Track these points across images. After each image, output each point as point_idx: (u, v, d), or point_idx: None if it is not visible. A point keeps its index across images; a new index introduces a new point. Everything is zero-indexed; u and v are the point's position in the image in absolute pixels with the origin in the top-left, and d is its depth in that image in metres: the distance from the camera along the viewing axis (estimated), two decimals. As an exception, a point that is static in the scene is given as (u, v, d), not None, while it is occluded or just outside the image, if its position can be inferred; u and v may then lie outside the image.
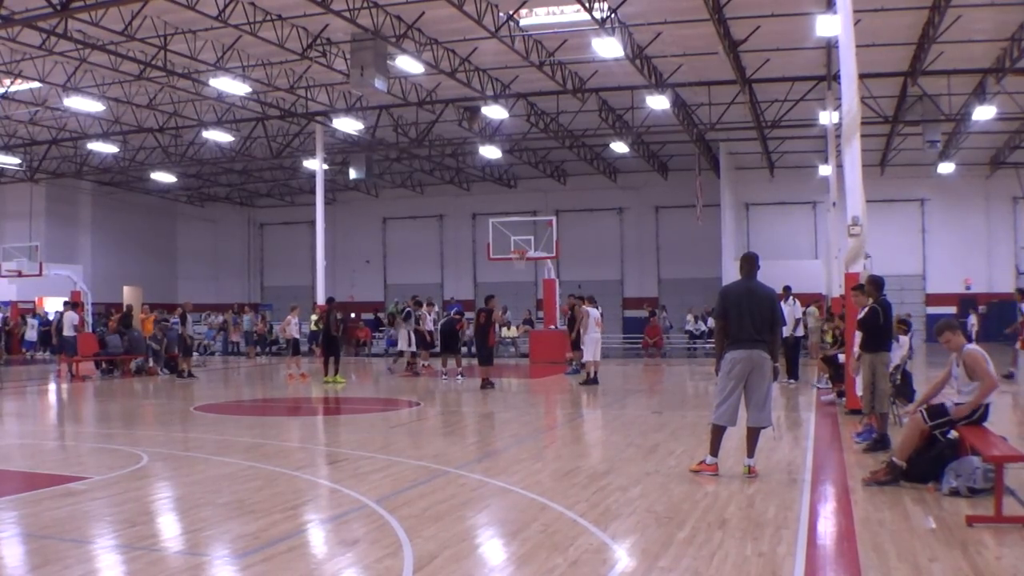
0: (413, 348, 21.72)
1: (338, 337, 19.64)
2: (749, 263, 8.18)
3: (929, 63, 20.60)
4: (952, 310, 30.89)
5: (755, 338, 7.79)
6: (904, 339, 11.89)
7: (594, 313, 18.43)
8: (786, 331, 15.73)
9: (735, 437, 8.40)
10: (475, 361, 19.03)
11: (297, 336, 21.39)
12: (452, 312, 23.61)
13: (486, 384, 17.11)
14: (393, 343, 26.84)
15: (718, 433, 7.98)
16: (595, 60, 21.21)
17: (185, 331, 21.04)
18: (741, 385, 7.84)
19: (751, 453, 7.97)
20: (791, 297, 17.50)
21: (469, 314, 25.44)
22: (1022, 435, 10.23)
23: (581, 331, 18.54)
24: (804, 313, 18.27)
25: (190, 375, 20.75)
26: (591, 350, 18.14)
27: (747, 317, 7.81)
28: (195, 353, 26.93)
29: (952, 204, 33.44)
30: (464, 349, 23.34)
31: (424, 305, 21.95)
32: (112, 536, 6.17)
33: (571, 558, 5.43)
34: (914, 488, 7.24)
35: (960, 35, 18.97)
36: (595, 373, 17.98)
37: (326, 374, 19.08)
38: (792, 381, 16.92)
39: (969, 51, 20.63)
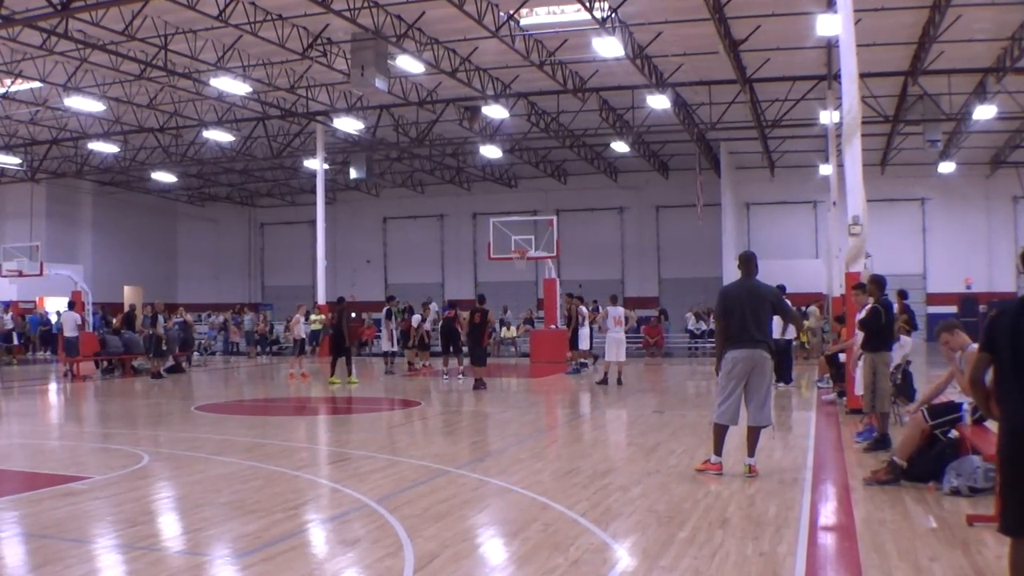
0: (394, 348, 22.50)
1: (347, 338, 19.54)
2: (748, 263, 8.17)
3: (929, 62, 20.60)
4: (952, 309, 30.89)
5: (756, 338, 7.80)
6: (907, 338, 11.90)
7: (614, 312, 17.75)
8: (776, 333, 15.36)
9: (736, 436, 8.40)
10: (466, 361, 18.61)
11: (304, 336, 21.33)
12: (444, 312, 23.55)
13: (479, 384, 17.08)
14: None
15: (720, 432, 8.01)
16: (595, 60, 21.20)
17: (156, 331, 20.94)
18: (742, 385, 7.86)
19: (752, 452, 7.98)
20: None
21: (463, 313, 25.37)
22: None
23: (591, 330, 18.37)
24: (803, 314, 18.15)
25: (157, 376, 20.50)
26: (612, 350, 17.48)
27: (748, 317, 7.81)
28: (195, 353, 26.91)
29: (953, 203, 33.41)
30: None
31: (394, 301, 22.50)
32: (113, 536, 6.18)
33: (572, 558, 5.43)
34: (915, 487, 7.24)
35: (960, 34, 18.96)
36: (606, 374, 17.81)
37: (332, 373, 18.61)
38: (784, 384, 16.64)
39: (969, 50, 20.62)
